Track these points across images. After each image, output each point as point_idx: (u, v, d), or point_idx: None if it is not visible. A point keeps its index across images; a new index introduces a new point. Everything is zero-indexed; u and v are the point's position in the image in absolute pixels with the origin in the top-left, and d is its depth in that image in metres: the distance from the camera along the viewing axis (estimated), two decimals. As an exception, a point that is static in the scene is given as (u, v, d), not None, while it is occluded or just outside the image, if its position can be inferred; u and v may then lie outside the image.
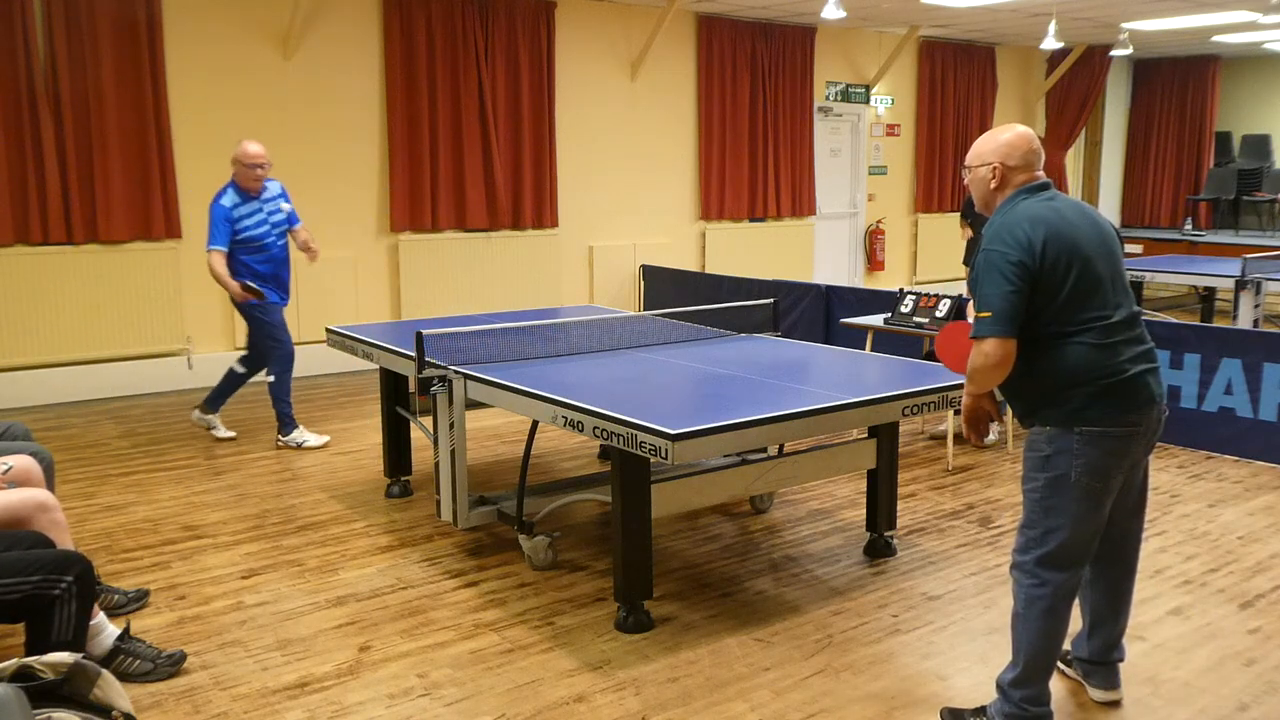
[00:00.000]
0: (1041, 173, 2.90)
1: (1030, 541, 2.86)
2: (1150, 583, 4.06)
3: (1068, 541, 2.82)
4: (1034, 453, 2.84)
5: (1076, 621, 3.21)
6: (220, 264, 5.68)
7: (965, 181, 2.97)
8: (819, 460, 4.24)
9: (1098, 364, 2.73)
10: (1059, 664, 3.30)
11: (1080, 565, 2.88)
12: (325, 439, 6.13)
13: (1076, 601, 3.00)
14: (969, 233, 6.71)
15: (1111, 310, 2.76)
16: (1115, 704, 3.15)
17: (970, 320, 2.84)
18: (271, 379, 5.96)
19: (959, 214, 10.23)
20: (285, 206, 5.95)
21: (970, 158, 2.94)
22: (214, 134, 7.65)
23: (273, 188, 5.91)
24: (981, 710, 3.01)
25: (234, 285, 5.69)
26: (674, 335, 5.03)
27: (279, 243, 5.90)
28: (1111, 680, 3.16)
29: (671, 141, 10.14)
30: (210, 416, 6.27)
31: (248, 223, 5.73)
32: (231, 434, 6.23)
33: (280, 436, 6.07)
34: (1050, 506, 2.81)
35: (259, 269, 5.80)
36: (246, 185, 5.75)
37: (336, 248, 8.17)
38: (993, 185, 2.87)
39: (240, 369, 6.17)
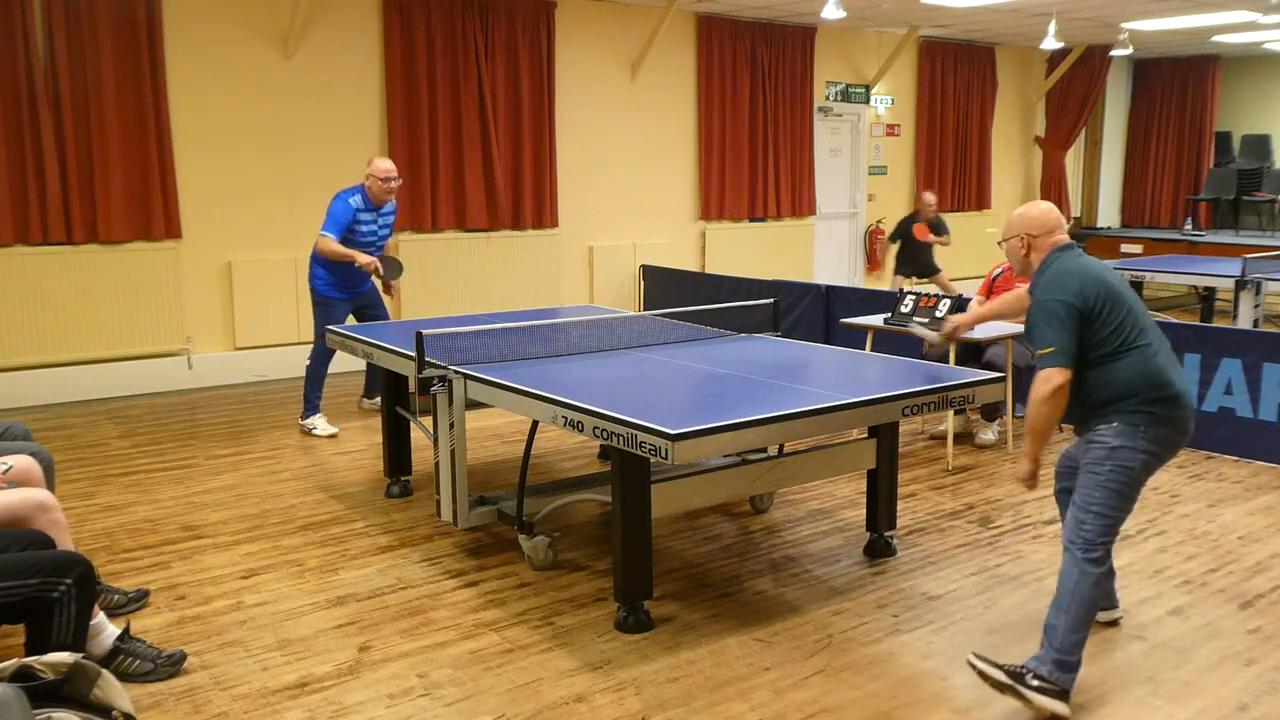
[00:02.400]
0: (1065, 235, 3.36)
1: (1095, 516, 3.15)
2: (1150, 583, 4.06)
3: (1122, 520, 3.21)
4: (1099, 445, 3.17)
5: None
6: (334, 245, 6.10)
7: (1003, 250, 3.49)
8: (819, 460, 4.24)
9: (1153, 365, 3.16)
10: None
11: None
12: (334, 430, 6.37)
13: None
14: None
15: (1144, 331, 3.21)
16: (1115, 623, 3.57)
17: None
18: (309, 362, 6.39)
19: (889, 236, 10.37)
20: (391, 221, 6.49)
21: (1003, 231, 3.46)
22: (214, 134, 7.66)
23: (389, 207, 6.42)
24: (1024, 670, 3.10)
25: (364, 257, 6.10)
26: (674, 335, 5.03)
27: (373, 251, 6.32)
28: (1110, 600, 3.61)
29: (671, 141, 10.14)
30: (377, 399, 6.57)
31: (362, 228, 6.23)
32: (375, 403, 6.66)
33: (300, 419, 6.47)
34: (1116, 490, 3.15)
35: (345, 267, 6.20)
36: (376, 197, 6.24)
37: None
38: (1023, 253, 3.36)
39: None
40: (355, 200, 6.20)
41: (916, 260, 10.04)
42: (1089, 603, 3.13)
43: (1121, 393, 3.17)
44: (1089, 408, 3.24)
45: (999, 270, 6.21)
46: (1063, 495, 3.53)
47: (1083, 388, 3.21)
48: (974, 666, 3.15)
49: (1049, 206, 3.42)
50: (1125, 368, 3.17)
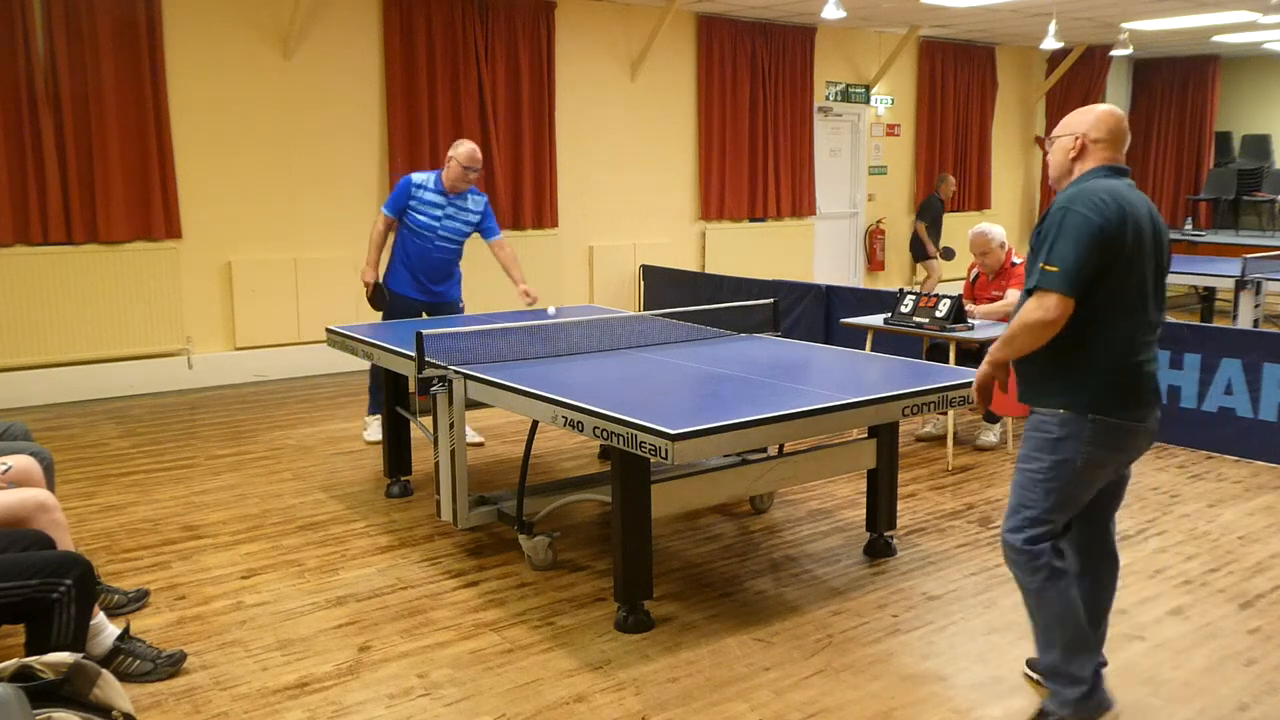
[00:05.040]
0: (1123, 158, 2.89)
1: (1025, 522, 2.88)
2: (1150, 583, 4.06)
3: (1058, 523, 2.89)
4: (1042, 434, 2.85)
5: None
6: (377, 227, 5.78)
7: (1046, 153, 2.96)
8: (819, 460, 4.24)
9: (1125, 355, 2.78)
10: (1027, 671, 3.27)
11: (1064, 533, 2.96)
12: (378, 438, 5.81)
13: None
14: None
15: (1148, 308, 2.82)
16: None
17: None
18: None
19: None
20: (472, 219, 5.81)
21: (1058, 129, 2.94)
22: (214, 134, 7.66)
23: (475, 200, 5.82)
24: (1042, 714, 2.95)
25: (368, 270, 5.81)
26: (674, 335, 5.03)
27: (437, 243, 5.76)
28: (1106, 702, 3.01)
29: (671, 141, 10.13)
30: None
31: (422, 209, 5.69)
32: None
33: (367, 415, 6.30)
34: (1050, 489, 2.84)
35: (410, 256, 5.79)
36: (451, 183, 5.70)
37: (336, 248, 8.18)
38: (1072, 155, 2.87)
39: None
40: (421, 177, 5.73)
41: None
42: (1060, 613, 2.86)
43: (1085, 364, 2.78)
44: (1051, 373, 2.83)
45: (975, 272, 6.24)
46: None
47: (1058, 344, 2.76)
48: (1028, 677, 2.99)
49: (1120, 115, 2.88)
50: (1109, 339, 2.77)
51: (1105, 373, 2.78)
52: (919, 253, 11.13)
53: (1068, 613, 2.88)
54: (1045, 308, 2.70)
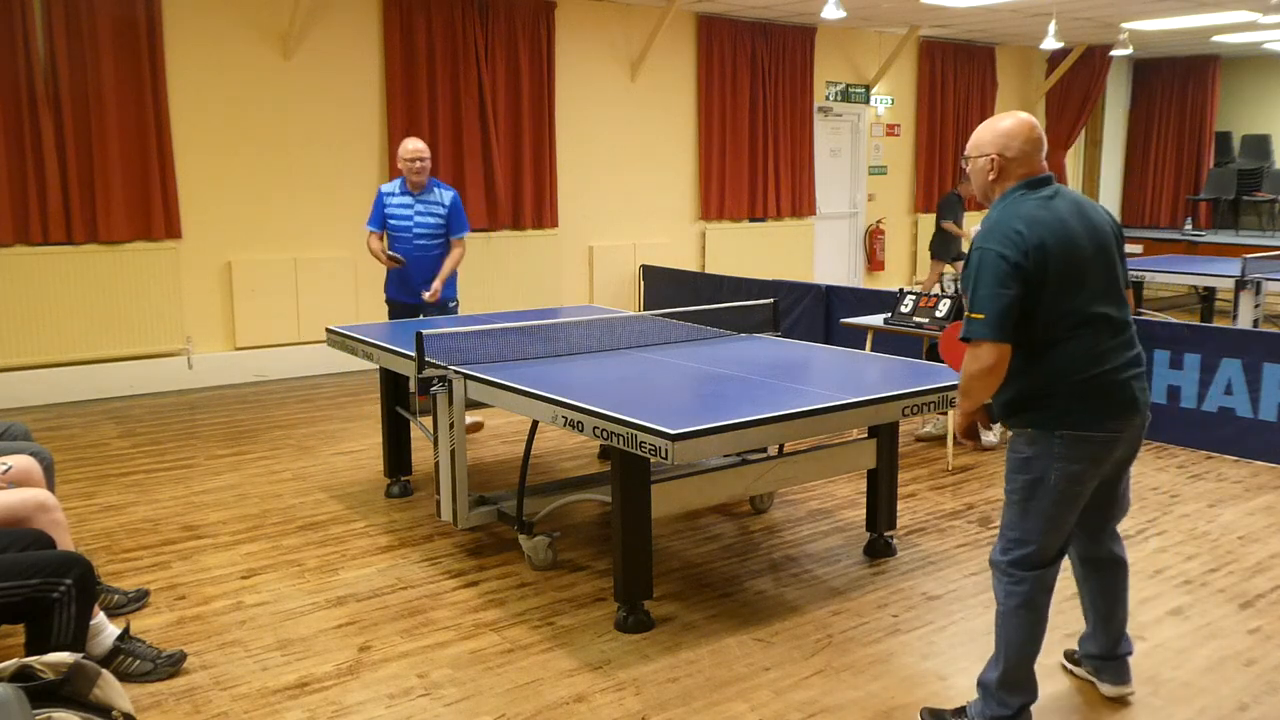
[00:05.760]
0: (1045, 164, 2.81)
1: (1010, 544, 2.86)
2: (1150, 583, 4.06)
3: (1042, 544, 2.83)
4: (1014, 454, 2.84)
5: (1079, 620, 3.21)
6: (373, 242, 6.06)
7: (966, 171, 2.89)
8: (819, 460, 4.24)
9: (1084, 367, 2.70)
10: (1067, 663, 3.31)
11: (1055, 562, 2.88)
12: None
13: (1080, 600, 3.07)
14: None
15: (1102, 314, 2.72)
16: (1125, 700, 3.14)
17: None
18: None
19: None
20: (441, 213, 5.98)
21: (969, 147, 2.86)
22: (214, 133, 7.66)
23: (441, 194, 6.02)
24: (962, 710, 3.00)
25: (381, 258, 5.99)
26: (674, 335, 5.03)
27: (416, 243, 5.96)
28: (1122, 675, 3.15)
29: (671, 141, 10.14)
30: None
31: (395, 212, 6.00)
32: None
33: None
34: (1027, 510, 2.81)
35: (403, 267, 6.01)
36: (409, 180, 5.96)
37: (336, 248, 8.18)
38: (991, 177, 2.79)
39: None
40: (388, 185, 6.07)
41: (954, 245, 9.99)
42: (1018, 643, 2.85)
43: (1045, 383, 2.71)
44: (1012, 397, 2.77)
45: None
46: None
47: (1012, 372, 2.69)
48: None
49: (1030, 122, 2.79)
50: (1064, 357, 2.68)
51: (1068, 388, 2.71)
52: (943, 252, 10.60)
53: (1024, 646, 2.87)
54: (979, 359, 2.66)
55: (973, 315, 2.66)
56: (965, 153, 2.90)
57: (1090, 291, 2.71)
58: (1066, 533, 2.88)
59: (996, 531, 4.60)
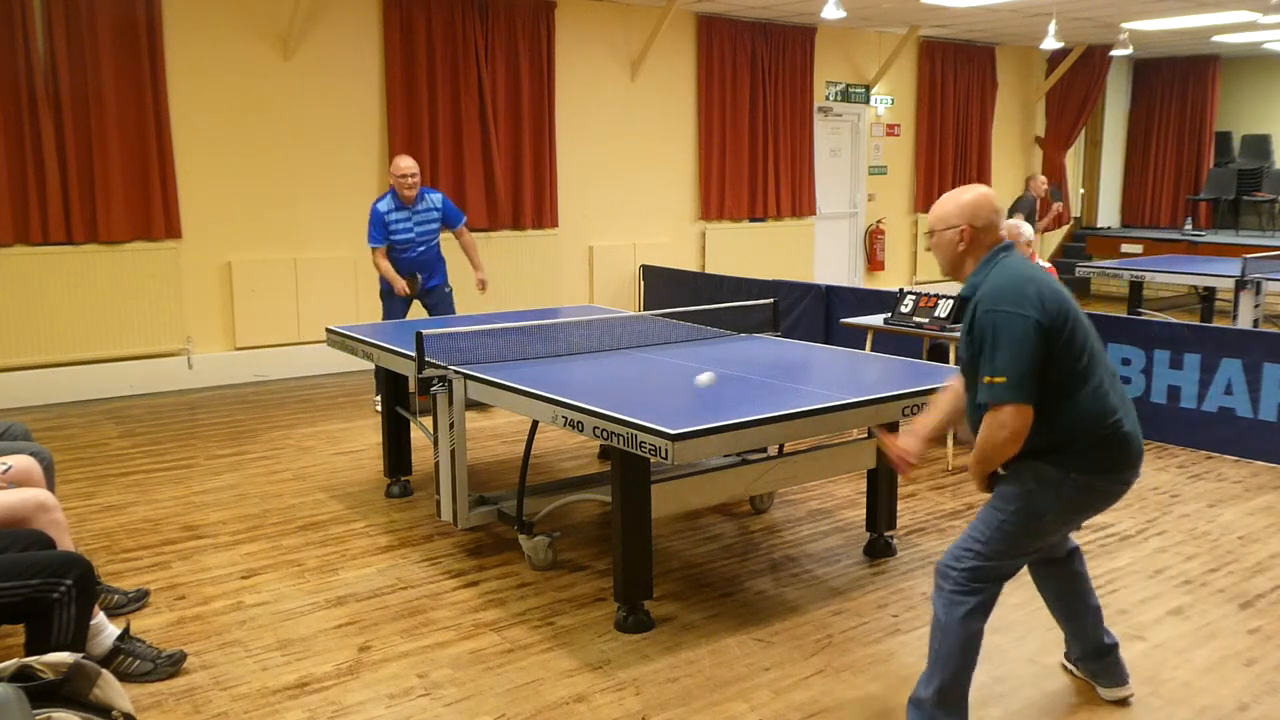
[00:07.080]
0: (1003, 233, 2.85)
1: (973, 555, 2.80)
2: (1150, 583, 4.06)
3: (1004, 566, 2.83)
4: (1017, 484, 2.77)
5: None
6: (380, 259, 6.54)
7: (927, 248, 2.90)
8: (819, 460, 4.24)
9: (1099, 420, 2.70)
10: (1066, 664, 3.30)
11: (1005, 580, 2.86)
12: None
13: (1049, 610, 3.11)
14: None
15: (1101, 362, 2.74)
16: (1125, 700, 3.13)
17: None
18: None
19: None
20: (436, 215, 6.65)
21: (933, 221, 2.87)
22: (214, 134, 7.66)
23: (431, 199, 6.63)
24: None
25: (399, 281, 6.47)
26: (674, 335, 5.03)
27: (420, 247, 6.61)
28: (1118, 675, 3.14)
29: (671, 141, 10.13)
30: None
31: (397, 227, 6.52)
32: None
33: (375, 395, 6.76)
34: (1007, 533, 2.77)
35: (401, 264, 6.57)
36: (402, 195, 6.48)
37: (336, 248, 8.18)
38: (961, 248, 2.81)
39: None
40: (383, 203, 6.49)
41: None
42: (956, 657, 2.80)
43: (1065, 440, 2.69)
44: (1027, 451, 2.71)
45: None
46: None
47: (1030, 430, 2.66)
48: None
49: (990, 194, 2.85)
50: (1074, 407, 2.67)
51: (1083, 443, 2.70)
52: None
53: (962, 661, 2.82)
54: (1004, 425, 2.62)
55: (994, 380, 2.61)
56: (928, 227, 2.90)
57: (1094, 343, 2.74)
58: (1028, 559, 2.90)
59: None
